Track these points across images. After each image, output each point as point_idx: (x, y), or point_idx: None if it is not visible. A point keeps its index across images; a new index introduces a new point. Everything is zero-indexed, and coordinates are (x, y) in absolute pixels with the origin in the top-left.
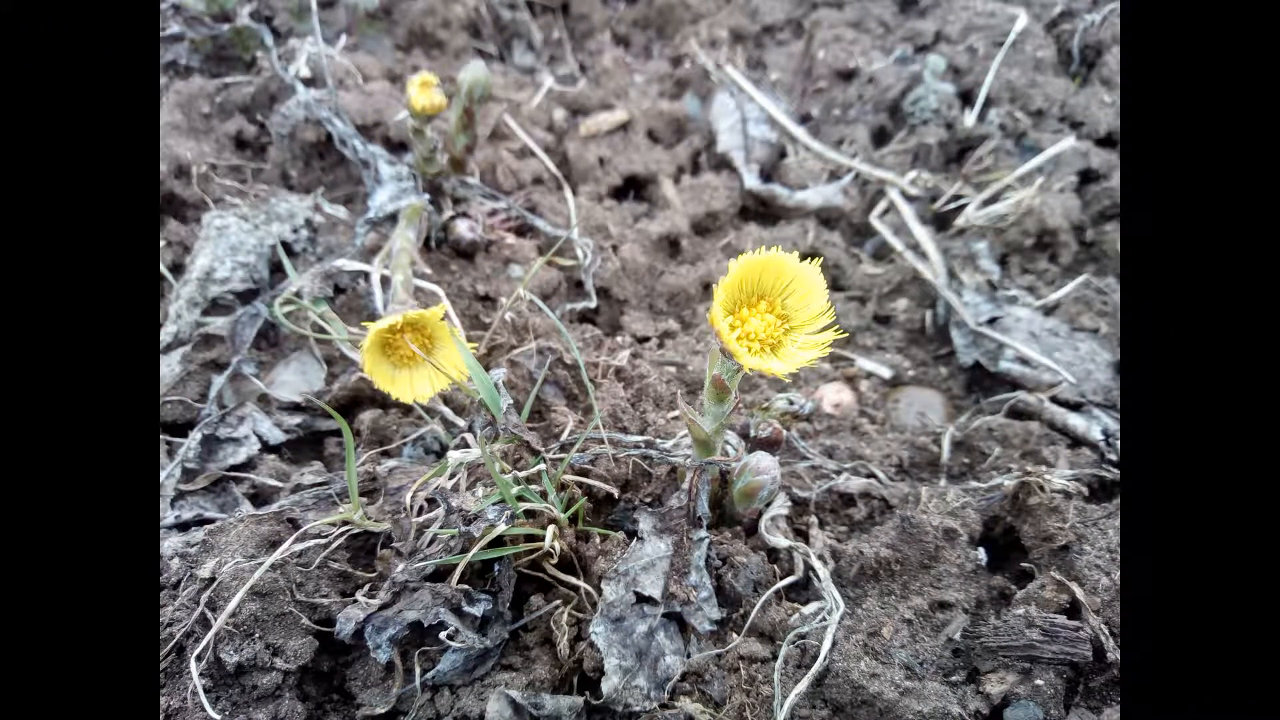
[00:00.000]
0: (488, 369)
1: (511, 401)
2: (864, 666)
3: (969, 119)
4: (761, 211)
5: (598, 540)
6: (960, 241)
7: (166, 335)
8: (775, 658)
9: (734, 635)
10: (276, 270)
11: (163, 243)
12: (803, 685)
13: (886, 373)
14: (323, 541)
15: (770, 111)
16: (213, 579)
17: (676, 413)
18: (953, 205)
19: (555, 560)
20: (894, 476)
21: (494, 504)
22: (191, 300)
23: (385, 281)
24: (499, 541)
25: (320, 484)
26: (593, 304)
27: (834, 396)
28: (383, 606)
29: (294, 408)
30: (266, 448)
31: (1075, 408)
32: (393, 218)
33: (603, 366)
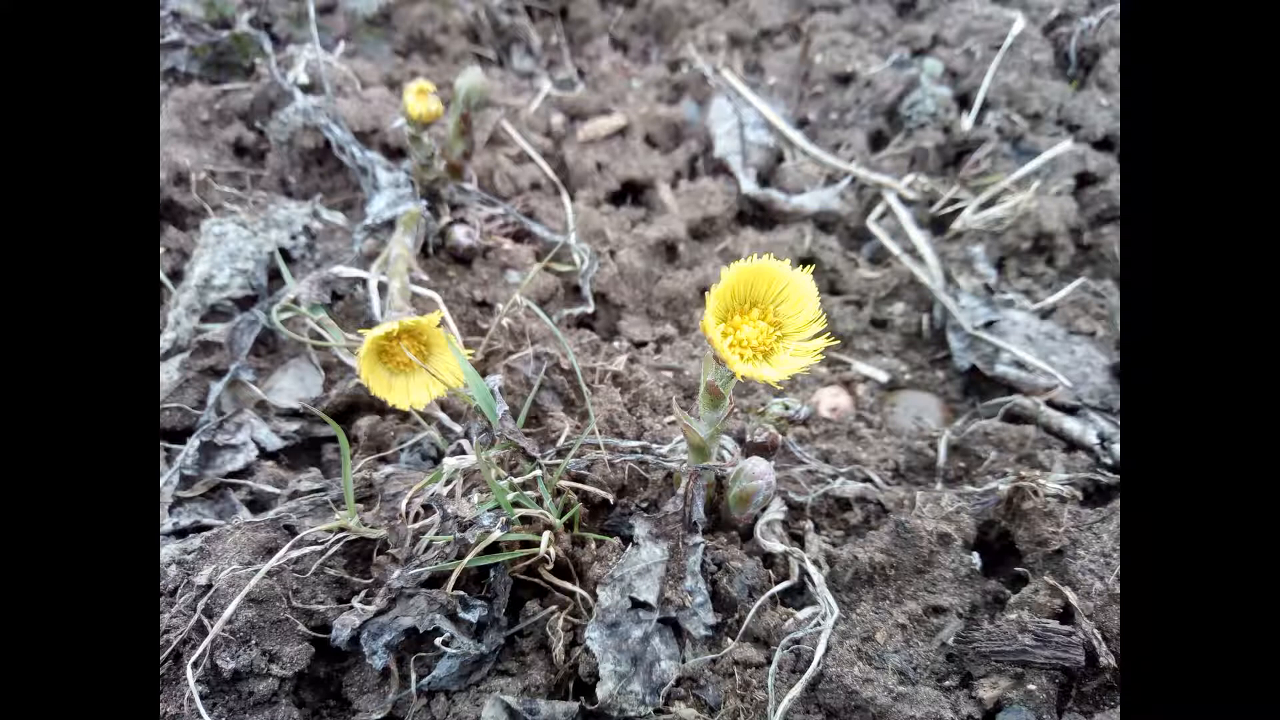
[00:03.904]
0: (484, 375)
1: (507, 408)
2: (858, 671)
3: (966, 122)
4: (759, 216)
5: (593, 546)
6: (957, 245)
7: (165, 342)
8: (770, 663)
9: (729, 640)
10: (275, 277)
11: (162, 250)
12: (797, 690)
13: (883, 376)
14: (319, 548)
15: (767, 116)
16: (210, 586)
17: (673, 418)
18: (950, 209)
19: (551, 566)
20: (890, 480)
21: (490, 510)
22: (190, 307)
23: (383, 288)
24: (495, 547)
25: (317, 490)
26: (590, 309)
27: (831, 400)
28: (379, 613)
29: (292, 414)
30: (264, 454)
31: (1071, 411)
32: (390, 224)
33: (600, 372)
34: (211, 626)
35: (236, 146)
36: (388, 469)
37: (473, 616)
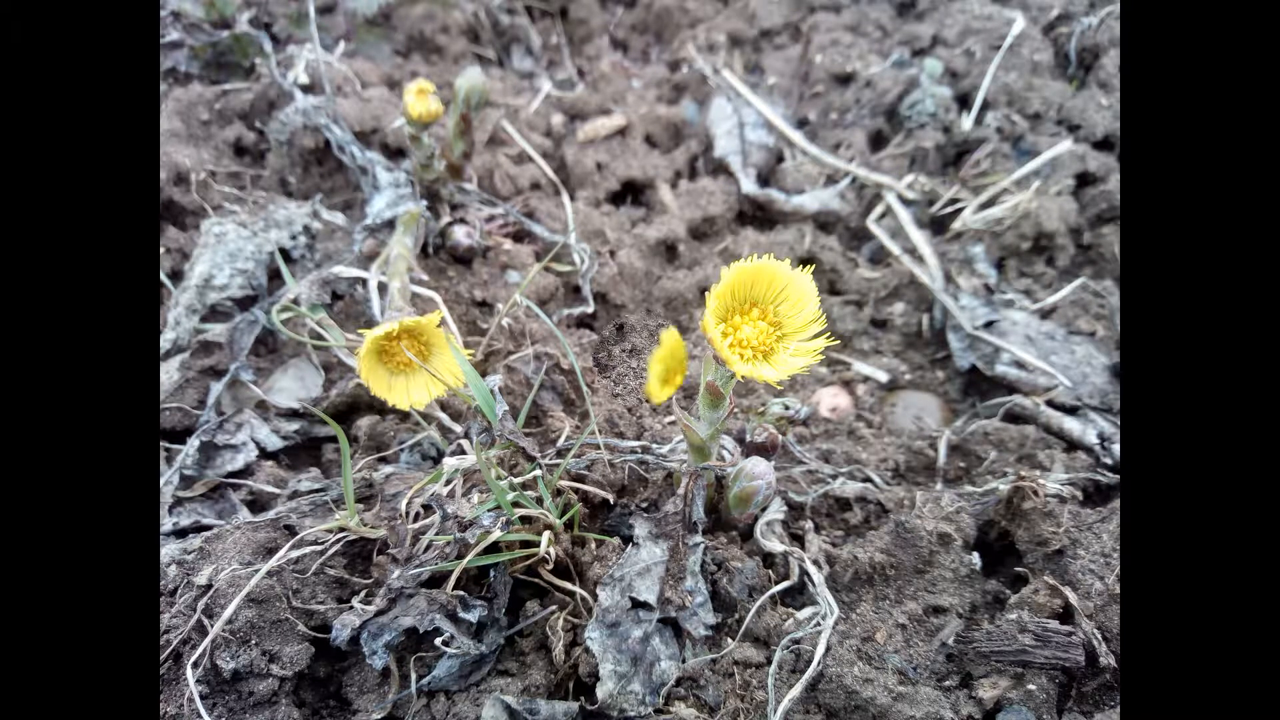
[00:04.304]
0: (485, 375)
1: (507, 408)
2: (858, 671)
3: (966, 122)
4: (759, 216)
5: (593, 546)
6: (957, 245)
7: (165, 342)
8: (770, 663)
9: (729, 640)
10: (275, 277)
11: (162, 250)
12: (797, 690)
13: (883, 376)
14: (319, 548)
15: (767, 116)
16: (210, 586)
17: (673, 418)
18: (950, 209)
19: (551, 566)
20: (890, 480)
21: (490, 510)
22: (190, 307)
23: (383, 288)
24: (495, 547)
25: (317, 490)
26: (590, 309)
27: (831, 400)
28: (379, 613)
29: (292, 414)
30: (264, 454)
31: (1071, 411)
32: (390, 224)
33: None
34: (211, 626)
35: (236, 146)
36: (388, 469)
37: (473, 616)
